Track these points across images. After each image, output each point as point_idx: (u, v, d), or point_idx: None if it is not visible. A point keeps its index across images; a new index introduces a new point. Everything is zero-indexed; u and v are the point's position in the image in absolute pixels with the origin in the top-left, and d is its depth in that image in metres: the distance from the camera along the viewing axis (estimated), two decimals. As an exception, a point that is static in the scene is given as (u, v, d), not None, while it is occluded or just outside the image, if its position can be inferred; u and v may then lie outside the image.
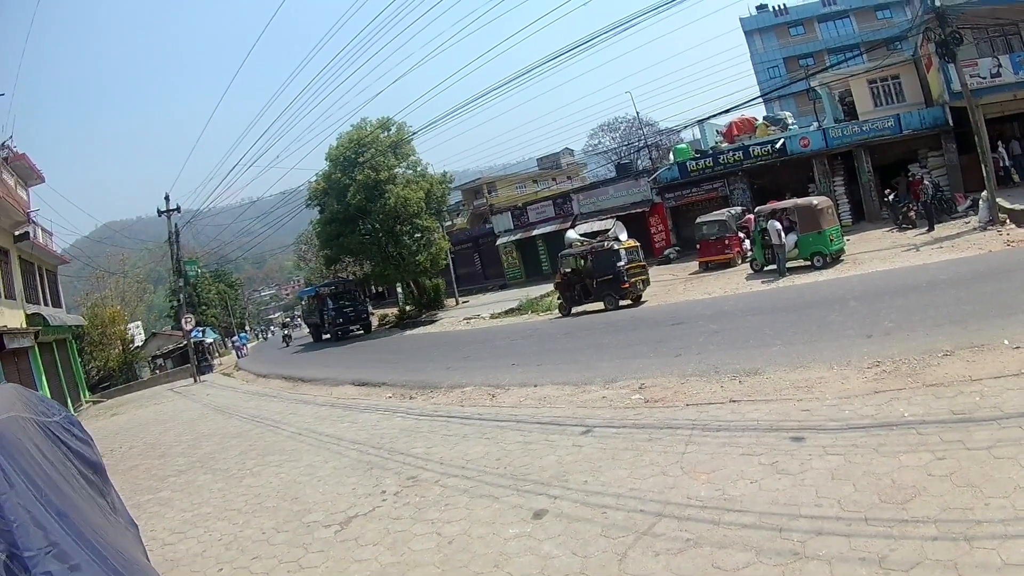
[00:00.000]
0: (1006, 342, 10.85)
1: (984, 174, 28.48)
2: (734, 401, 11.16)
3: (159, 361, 75.51)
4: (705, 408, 11.12)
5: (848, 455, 7.64)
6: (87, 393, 50.31)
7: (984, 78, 33.86)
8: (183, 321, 48.67)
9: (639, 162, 58.94)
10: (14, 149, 39.55)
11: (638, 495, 7.95)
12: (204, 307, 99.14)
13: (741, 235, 35.53)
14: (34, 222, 40.23)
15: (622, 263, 29.27)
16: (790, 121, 50.01)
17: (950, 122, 36.81)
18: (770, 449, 8.46)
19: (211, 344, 72.87)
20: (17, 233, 36.36)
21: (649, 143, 62.89)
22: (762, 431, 9.25)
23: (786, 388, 11.32)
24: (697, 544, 6.45)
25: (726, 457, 8.58)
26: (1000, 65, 34.18)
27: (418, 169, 49.76)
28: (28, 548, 3.03)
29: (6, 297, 33.61)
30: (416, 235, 47.56)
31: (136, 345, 74.19)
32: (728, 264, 35.08)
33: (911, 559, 5.34)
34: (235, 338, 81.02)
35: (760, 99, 53.19)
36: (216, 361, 64.72)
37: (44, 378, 36.78)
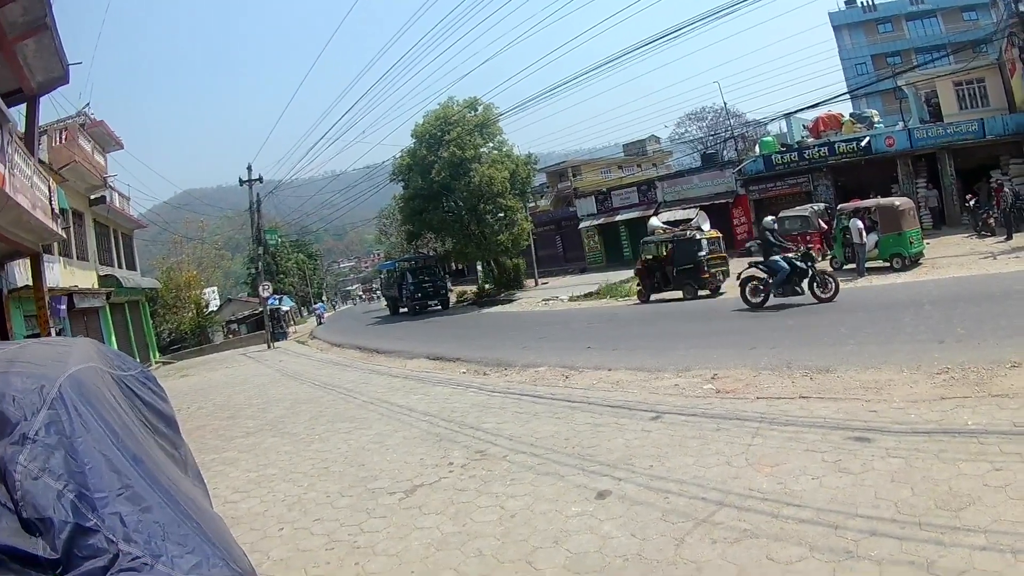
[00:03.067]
0: None
1: (1065, 185, 28.05)
2: (804, 397, 11.08)
3: (233, 326, 77.05)
4: (775, 402, 11.09)
5: (909, 459, 7.60)
6: (157, 354, 51.59)
7: (1066, 86, 33.22)
8: (260, 288, 49.79)
9: (725, 153, 58.61)
10: (91, 116, 40.71)
11: (701, 483, 7.94)
12: (282, 276, 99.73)
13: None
14: (111, 187, 41.19)
15: (703, 253, 29.44)
16: (876, 119, 49.45)
17: None
18: (834, 447, 8.39)
19: (287, 312, 73.72)
20: (93, 197, 37.53)
21: (735, 134, 62.48)
22: (828, 429, 9.14)
23: (855, 388, 11.22)
24: (754, 535, 6.45)
25: (790, 452, 8.54)
26: (1084, 73, 33.51)
27: (503, 150, 50.07)
28: (100, 490, 2.90)
29: (79, 258, 34.38)
30: (499, 215, 47.84)
31: (211, 310, 75.59)
32: (809, 260, 34.54)
33: (958, 567, 5.33)
34: (315, 306, 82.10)
35: (847, 95, 52.70)
36: (291, 329, 65.49)
37: (114, 338, 37.60)
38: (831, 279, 21.44)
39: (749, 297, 22.22)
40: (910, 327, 15.78)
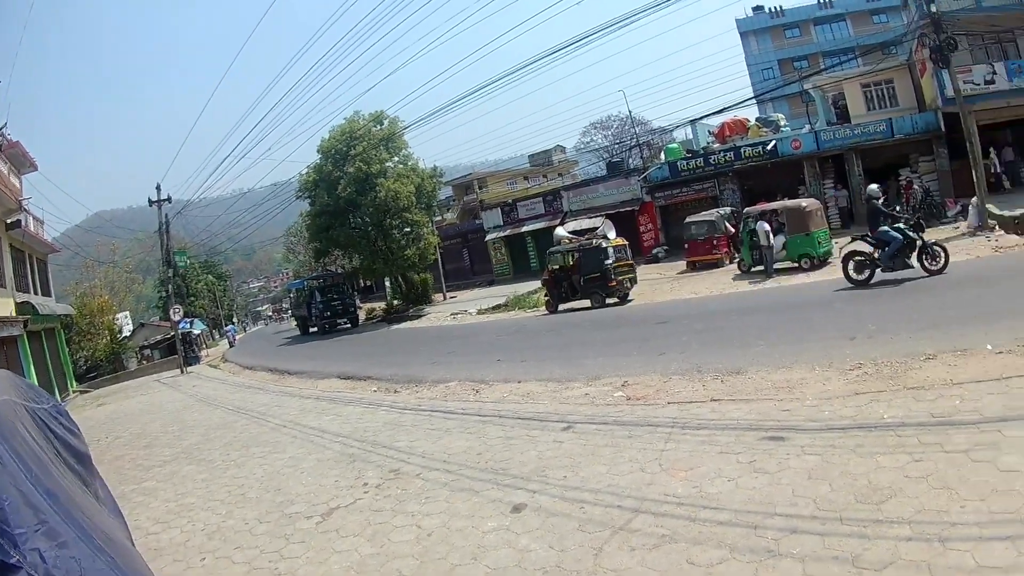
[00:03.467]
0: (989, 347, 10.83)
1: (975, 180, 28.60)
2: (715, 400, 11.18)
3: (147, 351, 75.01)
4: (686, 406, 11.13)
5: (826, 455, 7.68)
6: (74, 383, 50.28)
7: (978, 84, 34.09)
8: (171, 312, 48.68)
9: (630, 161, 59.05)
10: (8, 137, 39.34)
11: (616, 491, 7.98)
12: (192, 298, 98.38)
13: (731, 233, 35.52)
14: (26, 210, 40.25)
15: (610, 261, 29.35)
16: (782, 123, 50.23)
17: (942, 128, 37.04)
18: (748, 448, 8.48)
19: (199, 335, 72.89)
20: (9, 221, 36.41)
21: (641, 142, 63.00)
22: (741, 430, 9.24)
23: (767, 388, 11.31)
24: (672, 540, 6.48)
25: (704, 455, 8.60)
26: (995, 72, 34.44)
27: (409, 163, 50.03)
28: (19, 526, 3.05)
29: None
30: (405, 229, 47.51)
31: (124, 335, 73.97)
32: (716, 264, 35.21)
33: (884, 559, 5.36)
34: (226, 329, 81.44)
35: (753, 100, 53.66)
36: (203, 352, 64.93)
37: (32, 367, 36.80)
38: (941, 249, 20.44)
39: (853, 274, 20.90)
40: (820, 326, 15.97)
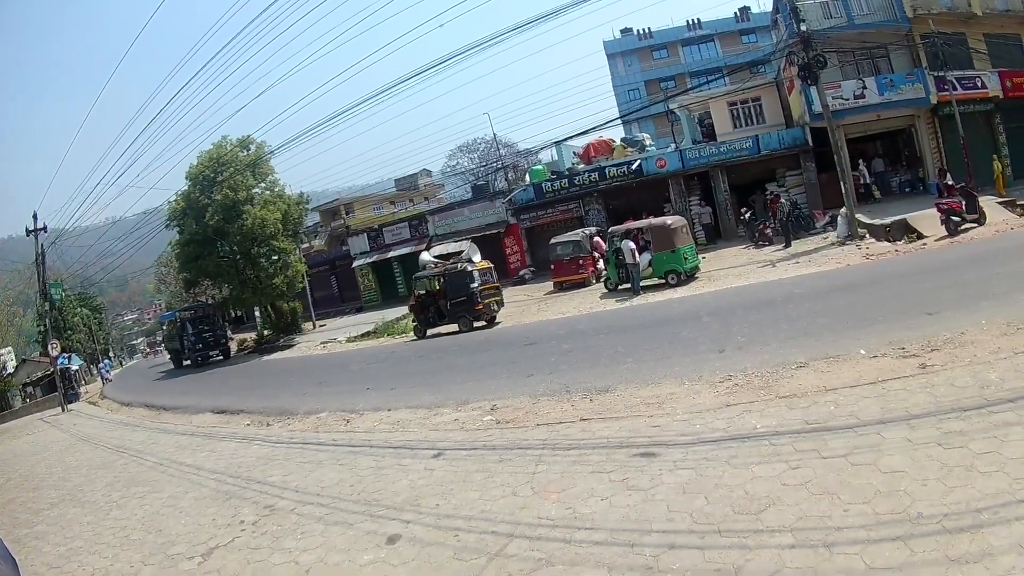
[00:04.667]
0: (862, 352, 11.03)
1: (843, 191, 29.39)
2: (584, 420, 11.18)
3: (29, 389, 73.59)
4: (556, 427, 11.15)
5: (699, 468, 7.67)
6: None
7: (847, 99, 35.16)
8: (49, 347, 47.14)
9: (496, 183, 59.24)
10: None
11: (489, 516, 8.02)
12: (69, 332, 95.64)
13: (596, 255, 35.63)
14: None
15: (475, 284, 29.19)
16: (648, 142, 50.83)
17: (809, 142, 38.31)
18: (620, 466, 8.48)
19: (77, 371, 71.21)
20: None
21: (506, 164, 63.22)
22: (612, 448, 9.26)
23: (637, 405, 11.34)
24: (549, 563, 6.47)
25: (576, 476, 8.62)
26: (865, 87, 35.51)
27: (276, 189, 49.22)
28: None
29: None
30: (273, 257, 46.96)
31: (8, 372, 72.52)
32: (583, 284, 35.28)
33: (769, 568, 5.37)
34: (101, 365, 79.57)
35: (619, 121, 54.00)
36: (83, 389, 63.33)
37: None
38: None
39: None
40: (688, 340, 16.09)
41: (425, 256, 34.08)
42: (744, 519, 6.29)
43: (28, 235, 47.69)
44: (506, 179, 58.54)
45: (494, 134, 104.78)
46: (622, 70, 77.94)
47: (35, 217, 47.29)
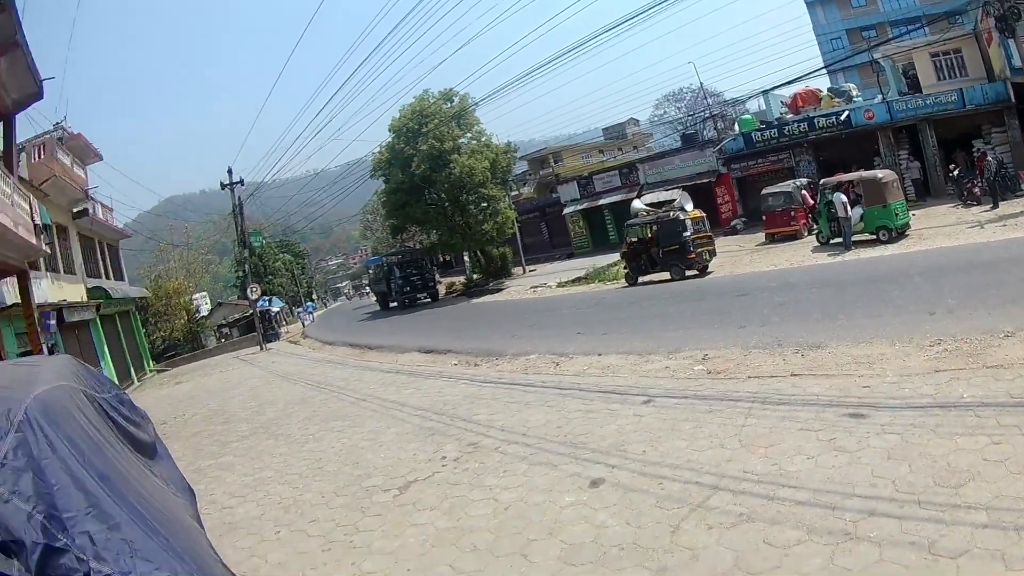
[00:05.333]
0: None
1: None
2: (795, 375, 10.97)
3: (225, 330, 77.05)
4: (767, 381, 10.96)
5: (906, 435, 7.48)
6: (151, 363, 51.50)
7: (1046, 53, 33.00)
8: (249, 291, 49.68)
9: (704, 133, 58.40)
10: (69, 129, 40.55)
11: (695, 467, 7.84)
12: (271, 277, 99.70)
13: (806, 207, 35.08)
14: (93, 199, 41.35)
15: (688, 233, 29.15)
16: (854, 93, 49.20)
17: (1012, 98, 35.82)
18: (829, 425, 8.30)
19: (277, 313, 73.59)
20: (76, 210, 37.48)
21: (714, 114, 62.20)
22: (821, 406, 9.07)
23: (848, 363, 11.15)
24: (750, 519, 6.34)
25: (784, 432, 8.44)
26: (1065, 40, 33.26)
27: (482, 139, 49.83)
28: (68, 509, 3.01)
29: (66, 272, 34.41)
30: (482, 204, 47.62)
31: (202, 315, 75.80)
32: (794, 236, 34.63)
33: (960, 546, 5.19)
34: (302, 307, 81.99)
35: (824, 70, 52.47)
36: (283, 330, 65.46)
37: (106, 349, 37.66)
38: None
39: None
40: (900, 300, 15.69)
41: (637, 204, 34.08)
42: (943, 492, 6.10)
43: (223, 188, 50.22)
44: (715, 128, 57.70)
45: (700, 83, 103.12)
46: (822, 18, 75.08)
47: (230, 171, 49.96)
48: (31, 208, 20.06)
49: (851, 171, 32.92)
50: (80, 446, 3.39)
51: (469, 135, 49.60)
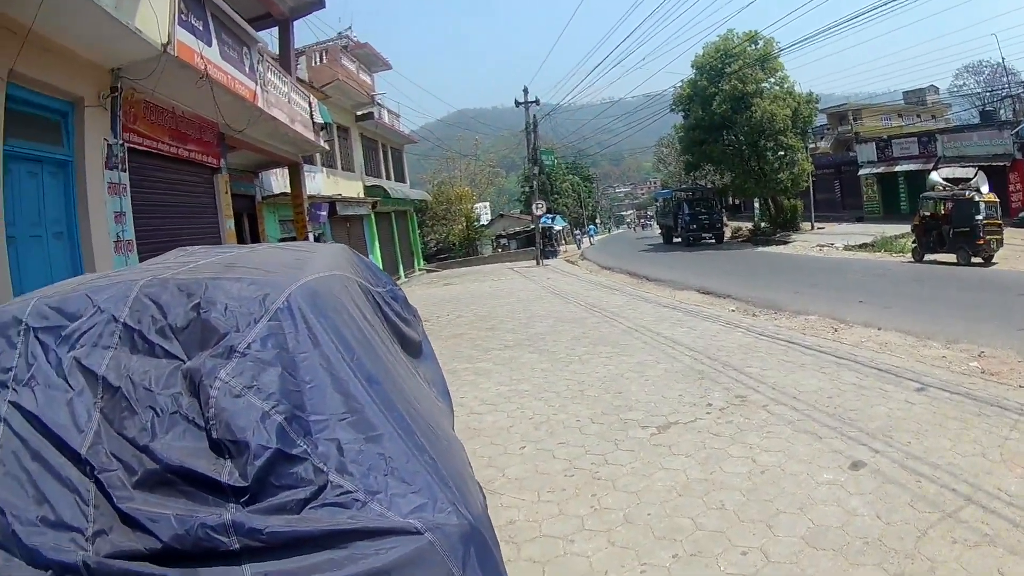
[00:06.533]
0: None
1: None
2: None
3: (503, 241, 78.76)
4: None
5: None
6: (422, 262, 54.59)
7: None
8: (534, 206, 50.72)
9: (1002, 112, 55.25)
10: (354, 39, 43.70)
11: (954, 471, 7.13)
12: (556, 196, 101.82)
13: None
14: (379, 104, 44.65)
15: (980, 217, 28.01)
16: None
17: None
18: None
19: (559, 232, 74.64)
20: (359, 113, 40.58)
21: (1014, 93, 58.64)
22: None
23: None
24: (992, 542, 5.71)
25: None
26: None
27: (785, 86, 49.27)
28: (318, 412, 2.81)
29: (344, 169, 36.58)
30: (780, 152, 47.36)
31: (481, 224, 77.76)
32: (1096, 237, 31.89)
33: None
34: (584, 230, 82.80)
35: None
36: (561, 248, 66.44)
37: (377, 244, 40.65)
38: None
39: None
40: None
41: (935, 176, 32.86)
42: None
43: (517, 106, 51.16)
44: (1013, 109, 54.46)
45: (1002, 57, 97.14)
46: None
47: (525, 91, 50.69)
48: (310, 106, 21.66)
49: None
50: (349, 342, 3.18)
51: (772, 80, 49.11)
